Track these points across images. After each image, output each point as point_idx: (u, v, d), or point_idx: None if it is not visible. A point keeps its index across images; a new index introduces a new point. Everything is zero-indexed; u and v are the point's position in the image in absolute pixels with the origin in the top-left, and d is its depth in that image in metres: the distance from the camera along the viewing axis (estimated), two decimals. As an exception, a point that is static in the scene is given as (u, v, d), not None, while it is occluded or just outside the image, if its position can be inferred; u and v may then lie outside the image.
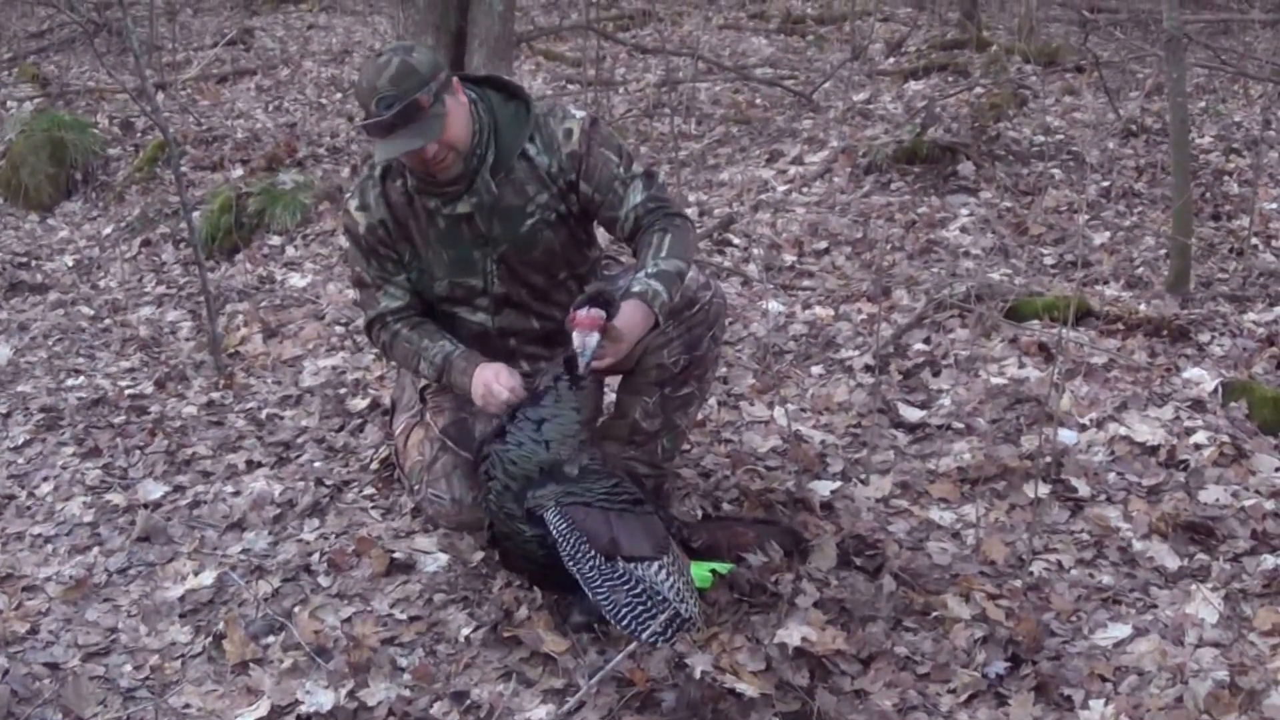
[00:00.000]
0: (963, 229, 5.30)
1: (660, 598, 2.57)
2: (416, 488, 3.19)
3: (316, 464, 3.60)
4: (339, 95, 8.28)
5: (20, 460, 3.81)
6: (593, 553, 2.60)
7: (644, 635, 2.52)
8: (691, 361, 3.04)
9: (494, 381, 2.94)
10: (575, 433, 2.75)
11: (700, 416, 3.48)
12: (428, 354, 3.08)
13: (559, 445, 2.72)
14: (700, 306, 3.02)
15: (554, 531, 2.62)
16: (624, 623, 2.55)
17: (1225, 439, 3.40)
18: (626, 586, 2.57)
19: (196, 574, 3.06)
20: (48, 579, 3.11)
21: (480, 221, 2.99)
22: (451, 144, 2.85)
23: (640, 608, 2.55)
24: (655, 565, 2.61)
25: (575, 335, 2.63)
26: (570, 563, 2.60)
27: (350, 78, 8.68)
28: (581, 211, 3.06)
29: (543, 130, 3.01)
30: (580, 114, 3.03)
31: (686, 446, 3.42)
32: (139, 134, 7.48)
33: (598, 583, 2.58)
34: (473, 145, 2.92)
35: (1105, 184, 5.76)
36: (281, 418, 3.95)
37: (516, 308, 3.12)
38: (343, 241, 3.21)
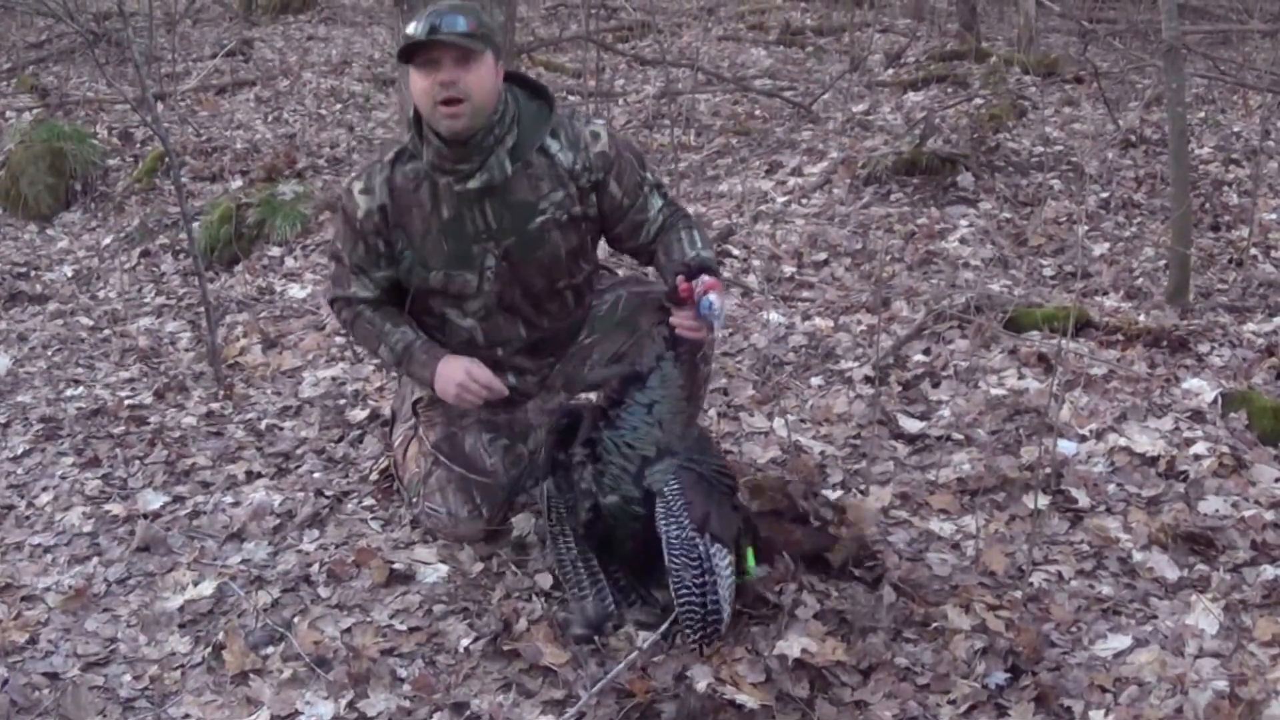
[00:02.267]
0: (962, 240, 5.31)
1: (715, 595, 2.59)
2: (414, 501, 3.19)
3: (316, 475, 3.60)
4: (338, 106, 8.29)
5: (19, 470, 3.81)
6: (687, 520, 2.63)
7: (688, 626, 2.59)
8: None
9: (468, 380, 2.96)
10: (683, 409, 2.81)
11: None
12: (389, 339, 3.09)
13: (670, 424, 2.76)
14: None
15: (668, 491, 2.66)
16: (681, 603, 2.59)
17: (1225, 449, 3.40)
18: (695, 568, 2.60)
19: (196, 584, 3.05)
20: (47, 589, 3.10)
21: (490, 209, 2.98)
22: (471, 89, 2.84)
23: (697, 597, 2.59)
24: (726, 557, 2.64)
25: (713, 297, 2.67)
26: (667, 521, 2.63)
27: (350, 88, 8.69)
28: (598, 214, 3.07)
29: (566, 129, 3.03)
30: (600, 121, 3.09)
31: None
32: (138, 144, 7.49)
33: (678, 550, 2.61)
34: (491, 117, 2.90)
35: (1104, 195, 5.77)
36: (281, 428, 3.95)
37: (507, 312, 3.11)
38: (335, 218, 3.20)
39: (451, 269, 3.05)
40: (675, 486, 2.67)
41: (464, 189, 2.97)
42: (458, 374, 3.00)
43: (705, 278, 2.71)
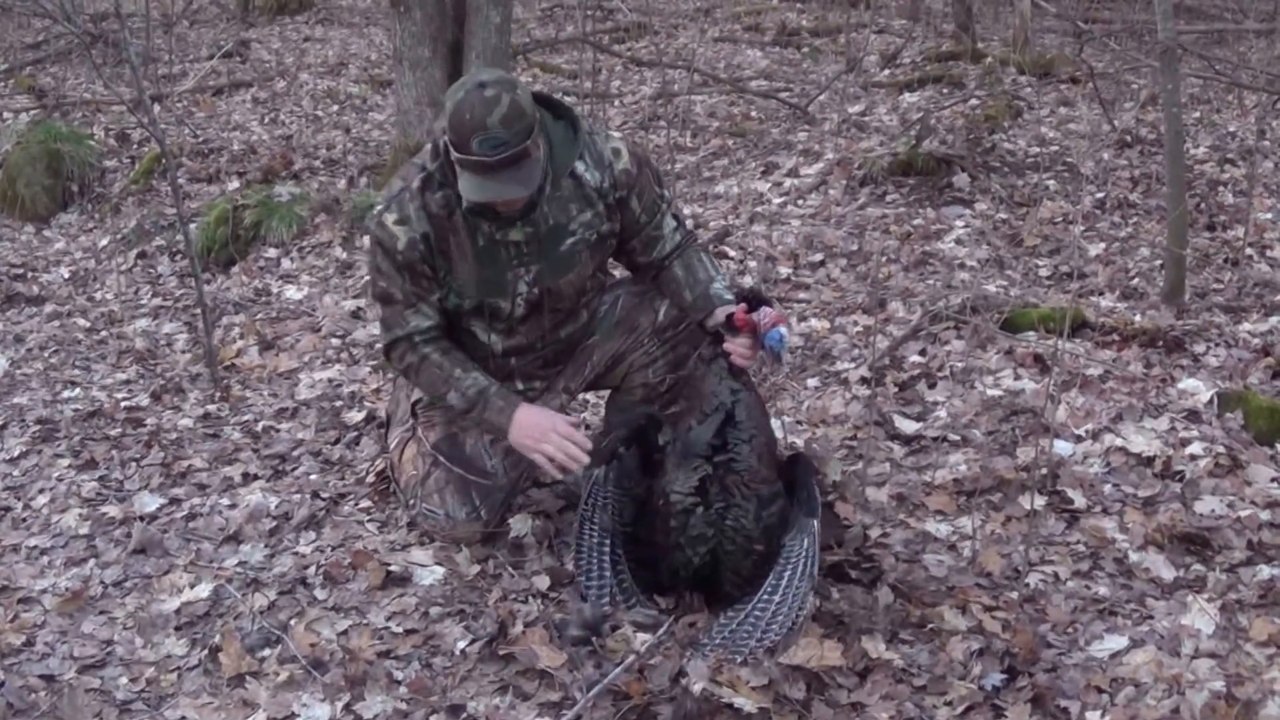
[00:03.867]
0: (958, 241, 5.31)
1: (786, 633, 2.63)
2: (412, 503, 3.19)
3: (312, 476, 3.60)
4: (335, 107, 8.28)
5: (16, 472, 3.80)
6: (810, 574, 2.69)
7: (742, 642, 2.64)
8: (678, 380, 3.09)
9: (558, 438, 2.91)
10: (772, 434, 2.86)
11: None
12: (460, 384, 3.02)
13: (769, 455, 2.79)
14: (685, 326, 3.06)
15: (807, 540, 2.70)
16: (769, 632, 2.64)
17: (1221, 449, 3.40)
18: (786, 610, 2.65)
19: (192, 586, 3.05)
20: (43, 591, 3.10)
21: (524, 244, 2.97)
22: (529, 189, 2.83)
23: (773, 632, 2.63)
24: (809, 599, 2.69)
25: (784, 330, 2.72)
26: (795, 570, 2.70)
27: (347, 90, 8.68)
28: (621, 231, 3.08)
29: (591, 149, 3.00)
30: (617, 135, 3.11)
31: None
32: (135, 146, 7.48)
33: (778, 594, 2.68)
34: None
35: (1100, 195, 5.77)
36: (277, 430, 3.95)
37: (531, 328, 3.12)
38: (368, 256, 3.11)
39: (486, 296, 3.02)
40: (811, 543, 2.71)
41: (504, 237, 2.95)
42: (543, 423, 2.95)
43: (767, 310, 2.74)
